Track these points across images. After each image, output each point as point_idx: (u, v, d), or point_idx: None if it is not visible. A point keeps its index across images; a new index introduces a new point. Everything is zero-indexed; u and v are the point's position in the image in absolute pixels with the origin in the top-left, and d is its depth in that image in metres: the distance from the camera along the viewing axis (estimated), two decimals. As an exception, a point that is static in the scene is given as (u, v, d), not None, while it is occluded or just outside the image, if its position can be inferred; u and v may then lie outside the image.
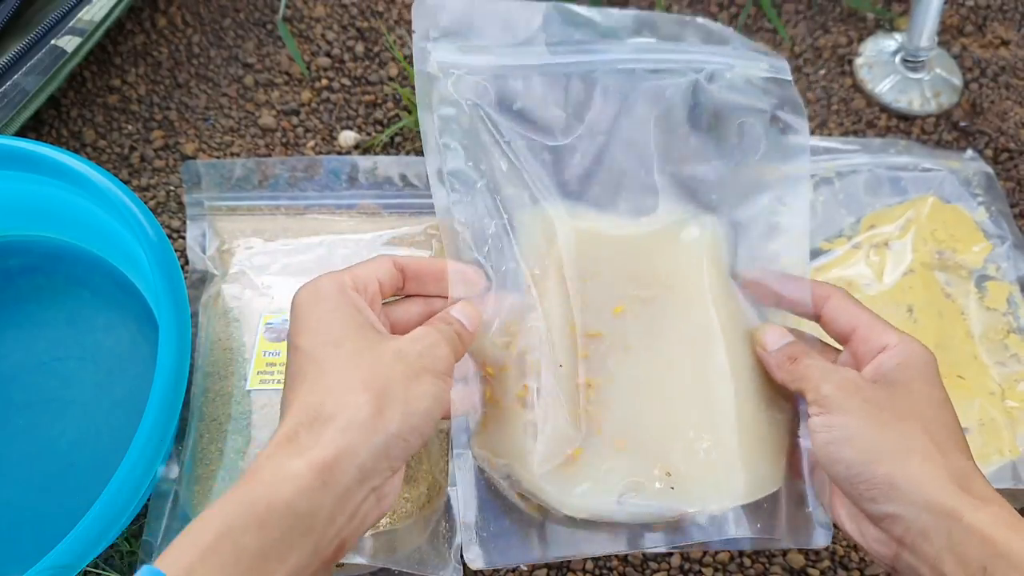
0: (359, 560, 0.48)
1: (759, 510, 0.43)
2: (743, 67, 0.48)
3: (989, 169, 0.64)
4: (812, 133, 0.68)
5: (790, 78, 0.49)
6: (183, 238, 0.61)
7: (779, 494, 0.44)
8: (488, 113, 0.45)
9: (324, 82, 0.70)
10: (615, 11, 0.48)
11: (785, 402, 0.45)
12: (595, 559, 0.53)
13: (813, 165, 0.61)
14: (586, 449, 0.43)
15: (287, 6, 0.72)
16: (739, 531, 0.43)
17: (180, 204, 0.64)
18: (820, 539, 0.44)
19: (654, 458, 0.43)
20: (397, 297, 0.45)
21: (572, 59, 0.47)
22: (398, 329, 0.43)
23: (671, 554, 0.53)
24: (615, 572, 0.53)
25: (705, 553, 0.53)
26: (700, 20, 0.49)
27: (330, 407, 0.36)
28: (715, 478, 0.43)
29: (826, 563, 0.53)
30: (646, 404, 0.44)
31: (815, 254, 0.60)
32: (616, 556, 0.53)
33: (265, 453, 0.35)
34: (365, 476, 0.36)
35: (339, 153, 0.67)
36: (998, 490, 0.38)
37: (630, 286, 0.46)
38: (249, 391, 0.51)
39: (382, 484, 0.37)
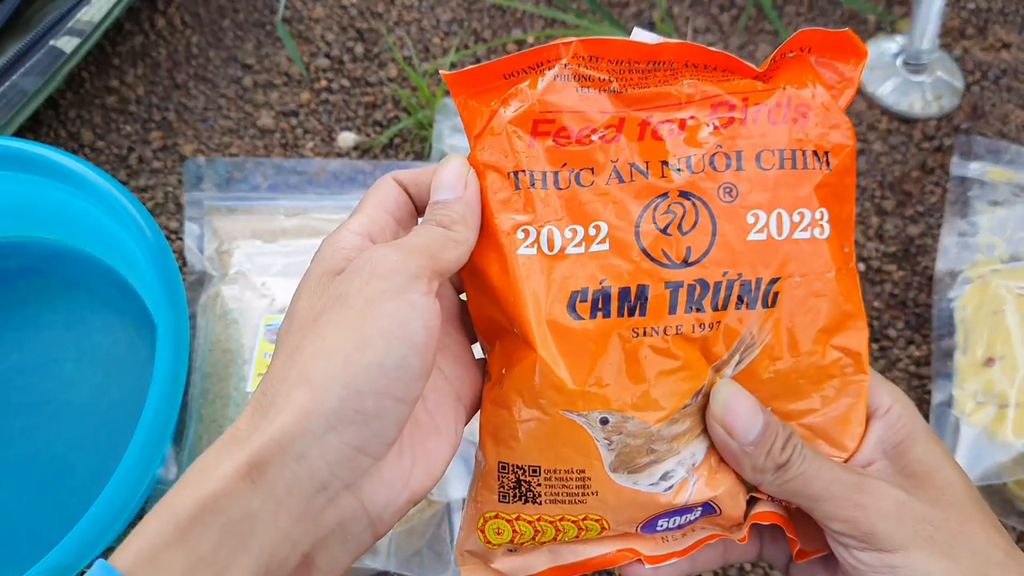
0: (357, 562, 0.47)
1: None
2: None
3: None
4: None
5: None
6: (181, 239, 0.61)
7: None
8: None
9: (323, 83, 0.69)
10: None
11: None
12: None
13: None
14: None
15: (286, 7, 0.72)
16: None
17: (178, 205, 0.64)
18: None
19: None
20: None
21: None
22: None
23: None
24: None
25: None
26: None
27: (270, 394, 0.28)
28: None
29: (827, 567, 0.53)
30: None
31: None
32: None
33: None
34: (313, 472, 0.27)
35: (338, 154, 0.66)
36: None
37: None
38: (248, 393, 0.51)
39: (354, 479, 0.28)
